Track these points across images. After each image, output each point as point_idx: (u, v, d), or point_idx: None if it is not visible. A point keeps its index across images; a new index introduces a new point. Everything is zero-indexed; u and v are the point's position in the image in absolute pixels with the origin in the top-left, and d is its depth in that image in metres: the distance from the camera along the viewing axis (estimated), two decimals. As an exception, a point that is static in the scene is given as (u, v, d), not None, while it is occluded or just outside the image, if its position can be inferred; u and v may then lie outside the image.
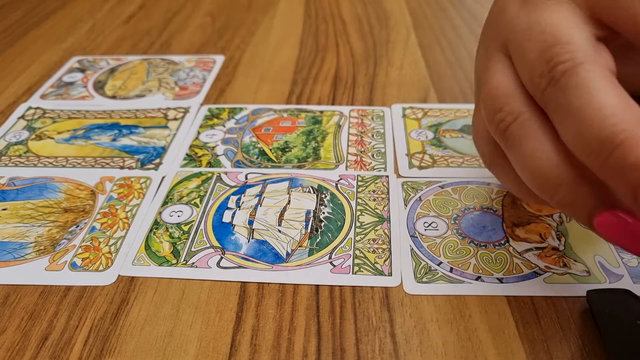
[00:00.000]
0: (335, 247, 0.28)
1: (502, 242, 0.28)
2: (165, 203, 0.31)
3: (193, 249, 0.28)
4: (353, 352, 0.23)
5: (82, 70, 0.47)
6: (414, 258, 0.27)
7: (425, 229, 0.29)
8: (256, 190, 0.32)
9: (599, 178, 0.18)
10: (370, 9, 0.59)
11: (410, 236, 0.28)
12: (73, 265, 0.27)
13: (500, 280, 0.26)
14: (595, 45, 0.19)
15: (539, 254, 0.27)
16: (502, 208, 0.30)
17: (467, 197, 0.31)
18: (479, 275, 0.26)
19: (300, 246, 0.28)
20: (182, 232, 0.29)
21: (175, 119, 0.40)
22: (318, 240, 0.28)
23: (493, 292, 0.25)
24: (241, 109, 0.41)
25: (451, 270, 0.26)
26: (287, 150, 0.36)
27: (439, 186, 0.32)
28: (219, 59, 0.49)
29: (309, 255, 0.28)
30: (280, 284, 0.26)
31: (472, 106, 0.40)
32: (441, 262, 0.27)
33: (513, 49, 0.21)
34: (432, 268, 0.27)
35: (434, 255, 0.27)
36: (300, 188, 0.32)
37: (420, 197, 0.31)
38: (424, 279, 0.26)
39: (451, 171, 0.33)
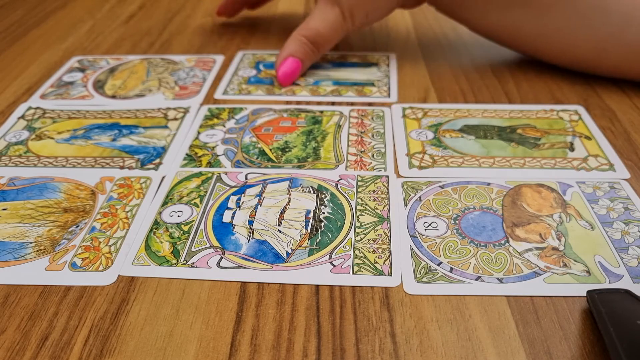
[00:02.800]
0: (335, 247, 0.28)
1: (502, 242, 0.28)
2: (165, 203, 0.31)
3: (193, 249, 0.28)
4: (353, 352, 0.23)
5: (82, 70, 0.47)
6: (414, 258, 0.27)
7: (425, 229, 0.29)
8: (256, 190, 0.32)
9: None
10: (370, 9, 0.59)
11: (410, 236, 0.28)
12: (73, 265, 0.27)
13: (500, 280, 0.26)
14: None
15: (539, 254, 0.27)
16: (502, 208, 0.30)
17: (467, 197, 0.31)
18: (479, 275, 0.26)
19: (300, 246, 0.28)
20: (182, 232, 0.29)
21: (175, 119, 0.40)
22: (318, 240, 0.28)
23: (493, 292, 0.25)
24: (241, 109, 0.41)
25: (451, 270, 0.26)
26: (287, 150, 0.36)
27: (439, 186, 0.32)
28: (219, 59, 0.49)
29: (309, 255, 0.28)
30: (280, 284, 0.26)
31: (472, 106, 0.40)
32: (441, 262, 0.27)
33: None
34: (432, 268, 0.27)
35: (434, 255, 0.27)
36: (300, 188, 0.32)
37: (420, 197, 0.31)
38: (424, 279, 0.26)
39: (451, 171, 0.33)
